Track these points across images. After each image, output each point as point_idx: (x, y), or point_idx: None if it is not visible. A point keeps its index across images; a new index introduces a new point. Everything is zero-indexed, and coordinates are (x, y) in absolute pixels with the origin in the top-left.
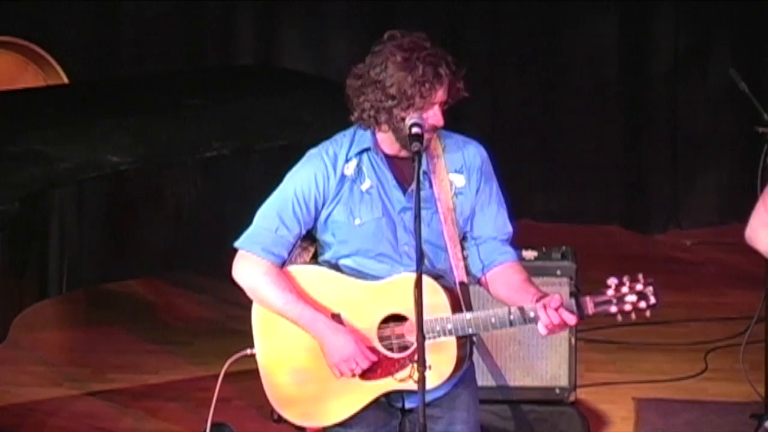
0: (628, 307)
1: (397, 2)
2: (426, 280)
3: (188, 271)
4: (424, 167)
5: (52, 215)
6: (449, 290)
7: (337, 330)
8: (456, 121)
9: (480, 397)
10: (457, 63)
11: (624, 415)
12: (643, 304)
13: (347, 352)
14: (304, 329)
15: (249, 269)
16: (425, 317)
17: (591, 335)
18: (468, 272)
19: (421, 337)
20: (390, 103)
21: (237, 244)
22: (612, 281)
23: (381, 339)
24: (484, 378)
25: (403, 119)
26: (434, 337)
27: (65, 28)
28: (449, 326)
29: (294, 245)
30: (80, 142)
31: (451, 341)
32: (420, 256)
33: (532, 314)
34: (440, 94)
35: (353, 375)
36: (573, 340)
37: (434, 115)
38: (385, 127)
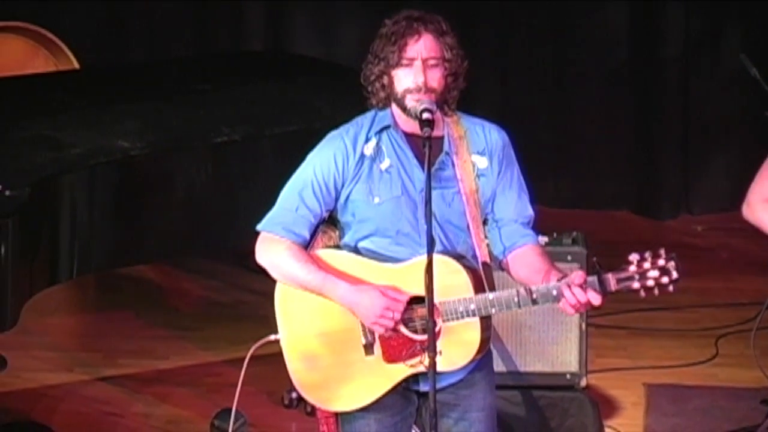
0: (650, 283)
1: None
2: (448, 260)
3: (198, 256)
4: (446, 148)
5: (63, 201)
6: (472, 270)
7: (360, 290)
8: (466, 106)
9: None
10: (445, 22)
11: (634, 401)
12: (665, 280)
13: (378, 305)
14: (329, 298)
15: (270, 248)
16: (448, 298)
17: (601, 321)
18: (490, 255)
19: (431, 323)
20: (378, 67)
21: (259, 227)
22: (633, 257)
23: (404, 321)
24: (494, 363)
25: (393, 82)
26: (457, 318)
27: (76, 14)
28: (472, 306)
29: (316, 227)
30: (91, 127)
31: (475, 322)
32: (431, 240)
33: (555, 292)
34: (418, 48)
35: (396, 325)
36: (584, 325)
37: (417, 72)
38: (390, 100)
